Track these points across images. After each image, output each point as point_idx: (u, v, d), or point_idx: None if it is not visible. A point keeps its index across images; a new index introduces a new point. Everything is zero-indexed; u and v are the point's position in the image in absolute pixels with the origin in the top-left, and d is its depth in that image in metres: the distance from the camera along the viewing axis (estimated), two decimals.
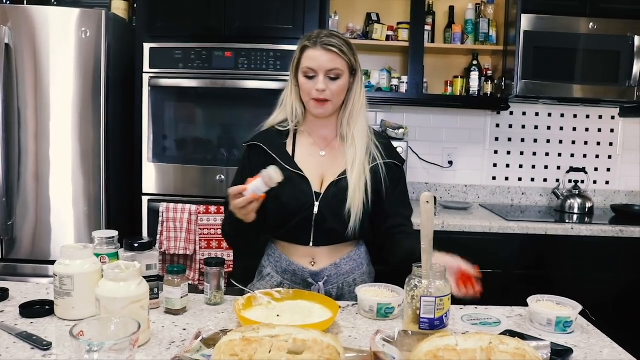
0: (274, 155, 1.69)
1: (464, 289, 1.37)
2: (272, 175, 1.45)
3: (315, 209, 1.65)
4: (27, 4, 2.77)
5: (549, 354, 1.12)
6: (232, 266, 2.72)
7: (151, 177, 2.87)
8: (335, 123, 1.75)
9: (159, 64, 2.83)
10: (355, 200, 1.64)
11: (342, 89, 1.66)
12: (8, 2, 2.80)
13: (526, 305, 1.42)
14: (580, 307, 1.37)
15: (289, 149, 1.73)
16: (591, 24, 2.91)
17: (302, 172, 1.68)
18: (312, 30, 1.74)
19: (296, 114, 1.73)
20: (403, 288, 1.34)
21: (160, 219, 2.79)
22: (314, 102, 1.65)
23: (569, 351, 1.20)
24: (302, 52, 1.65)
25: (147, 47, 2.82)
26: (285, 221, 1.68)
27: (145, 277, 1.25)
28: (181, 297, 1.40)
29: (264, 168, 1.63)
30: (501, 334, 1.21)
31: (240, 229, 1.61)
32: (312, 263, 1.70)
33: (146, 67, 2.83)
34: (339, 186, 1.67)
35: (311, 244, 1.68)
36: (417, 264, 1.30)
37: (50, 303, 1.36)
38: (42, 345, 1.15)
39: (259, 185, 1.46)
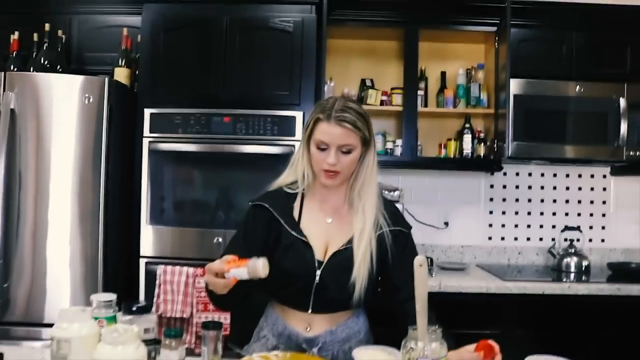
0: (279, 218, 1.67)
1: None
2: (258, 268, 1.38)
3: (317, 278, 1.63)
4: (33, 71, 2.86)
5: None
6: (228, 328, 2.70)
7: (149, 239, 2.89)
8: (344, 190, 1.73)
9: (158, 129, 2.89)
10: (361, 272, 1.61)
11: (353, 162, 1.64)
12: (15, 70, 2.89)
13: None
14: None
15: (296, 213, 1.71)
16: (578, 87, 3.02)
17: (306, 238, 1.66)
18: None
19: (307, 179, 1.70)
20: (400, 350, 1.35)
21: (157, 281, 2.78)
22: (324, 173, 1.63)
23: None
24: (315, 123, 1.62)
25: (147, 112, 2.90)
26: (284, 286, 1.65)
27: (143, 341, 1.26)
28: None
29: (268, 228, 1.64)
30: None
31: (215, 295, 1.53)
32: (308, 328, 1.66)
33: (146, 131, 2.90)
34: (343, 256, 1.64)
35: (310, 310, 1.64)
36: (413, 327, 1.30)
37: None
38: None
39: (242, 273, 1.39)
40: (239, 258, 1.41)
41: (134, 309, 1.40)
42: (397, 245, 1.69)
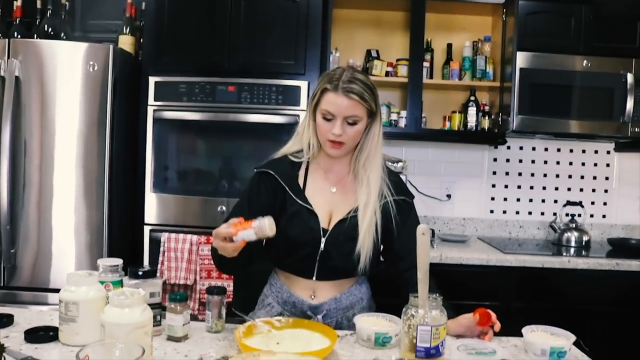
0: (284, 185, 1.68)
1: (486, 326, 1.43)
2: (265, 227, 1.39)
3: (322, 246, 1.65)
4: (37, 38, 2.85)
5: None
6: (232, 296, 2.74)
7: (153, 207, 2.92)
8: (349, 160, 1.75)
9: (163, 97, 2.90)
10: (366, 242, 1.64)
11: (358, 134, 1.65)
12: (19, 37, 2.88)
13: (522, 336, 1.45)
14: (573, 338, 1.39)
15: (300, 181, 1.72)
16: (585, 61, 2.99)
17: (311, 206, 1.68)
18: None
19: (312, 148, 1.72)
20: (401, 318, 1.37)
21: (161, 248, 2.82)
22: (329, 143, 1.64)
23: None
24: (322, 93, 1.63)
25: (152, 80, 2.90)
26: (289, 254, 1.68)
27: (148, 305, 1.28)
28: (183, 325, 1.43)
29: (272, 195, 1.64)
30: None
31: (224, 260, 1.55)
32: (312, 296, 1.69)
33: (151, 100, 2.90)
34: (347, 224, 1.66)
35: (314, 277, 1.67)
36: (414, 294, 1.33)
37: (54, 329, 1.39)
38: None
39: (249, 234, 1.39)
40: (245, 219, 1.42)
41: (140, 273, 1.43)
42: (400, 214, 1.71)
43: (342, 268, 1.67)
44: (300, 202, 1.67)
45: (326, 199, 1.71)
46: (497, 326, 1.48)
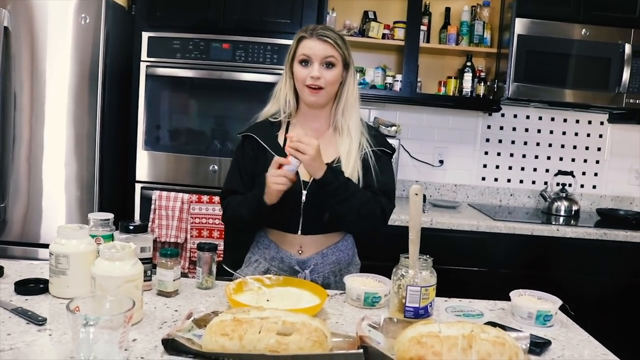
0: (265, 146, 1.73)
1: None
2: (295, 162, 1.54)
3: (304, 197, 1.69)
4: None
5: (528, 345, 1.16)
6: (222, 256, 2.75)
7: (144, 165, 2.90)
8: (327, 115, 1.78)
9: (156, 53, 2.85)
10: None
11: (335, 78, 1.70)
12: None
13: (509, 300, 1.46)
14: (560, 302, 1.41)
15: (280, 140, 1.76)
16: (584, 30, 2.96)
17: None
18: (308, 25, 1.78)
19: (289, 105, 1.77)
20: (390, 279, 1.38)
21: (152, 206, 2.82)
22: (308, 89, 1.69)
23: (547, 343, 1.24)
24: (298, 42, 1.72)
25: (145, 35, 2.84)
26: (274, 209, 1.70)
27: (139, 259, 1.28)
28: (173, 280, 1.43)
29: (256, 158, 1.67)
30: None
31: (262, 209, 1.62)
32: (300, 251, 1.74)
33: (144, 55, 2.85)
34: None
35: (299, 232, 1.72)
36: (405, 255, 1.34)
37: (45, 282, 1.39)
38: (37, 320, 1.18)
39: (295, 162, 1.54)
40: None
41: (131, 227, 1.42)
42: (379, 163, 1.74)
43: (324, 216, 1.70)
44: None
45: None
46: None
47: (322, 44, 1.68)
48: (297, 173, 1.66)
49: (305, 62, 1.69)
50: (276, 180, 1.55)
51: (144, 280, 1.36)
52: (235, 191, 1.76)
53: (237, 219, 1.74)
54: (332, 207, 1.64)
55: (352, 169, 1.68)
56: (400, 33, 3.16)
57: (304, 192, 1.69)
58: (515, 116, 3.51)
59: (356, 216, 1.62)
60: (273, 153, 1.69)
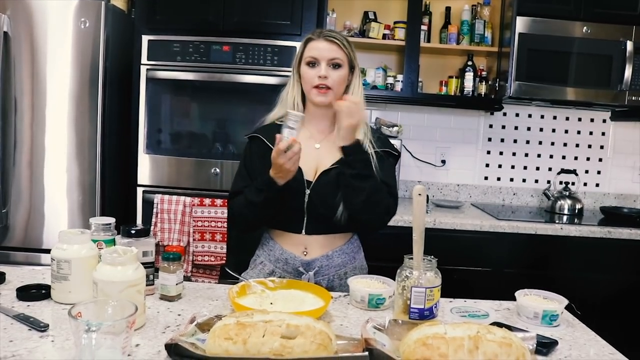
0: (271, 147, 1.70)
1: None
2: (290, 114, 1.55)
3: (307, 197, 1.70)
4: None
5: (535, 345, 1.15)
6: (225, 258, 2.75)
7: (146, 168, 2.89)
8: (333, 116, 1.77)
9: (156, 57, 2.84)
10: None
11: (342, 79, 1.72)
12: None
13: (514, 300, 1.45)
14: (566, 302, 1.40)
15: None
16: (585, 28, 2.95)
17: None
18: (313, 29, 1.79)
19: (297, 108, 1.76)
20: (394, 280, 1.37)
21: (154, 210, 2.81)
22: (315, 90, 1.70)
23: (554, 343, 1.23)
24: (305, 44, 1.74)
25: (145, 39, 2.84)
26: (278, 209, 1.70)
27: (141, 264, 1.27)
28: (176, 284, 1.43)
29: (263, 159, 1.67)
30: None
31: (271, 198, 1.62)
32: (305, 253, 1.73)
33: (144, 59, 2.84)
34: (331, 175, 1.71)
35: (303, 232, 1.72)
36: (409, 256, 1.33)
37: (47, 287, 1.38)
38: (39, 326, 1.17)
39: (289, 132, 1.55)
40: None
41: (133, 232, 1.41)
42: (382, 164, 1.73)
43: (329, 218, 1.70)
44: None
45: (311, 155, 1.75)
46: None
47: (329, 45, 1.70)
48: (300, 172, 1.67)
49: (313, 63, 1.71)
50: (293, 160, 1.56)
51: (147, 285, 1.35)
52: (243, 192, 1.75)
53: (246, 208, 1.70)
54: (348, 181, 1.63)
55: None
56: (400, 33, 3.16)
57: (307, 192, 1.70)
58: (517, 115, 3.50)
59: (366, 199, 1.63)
60: None
